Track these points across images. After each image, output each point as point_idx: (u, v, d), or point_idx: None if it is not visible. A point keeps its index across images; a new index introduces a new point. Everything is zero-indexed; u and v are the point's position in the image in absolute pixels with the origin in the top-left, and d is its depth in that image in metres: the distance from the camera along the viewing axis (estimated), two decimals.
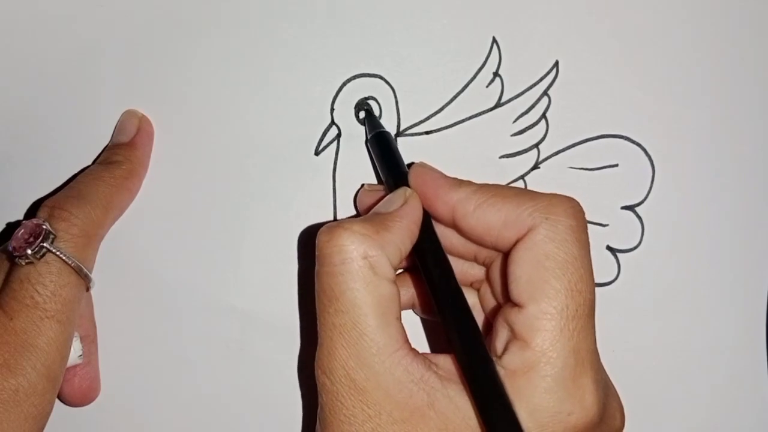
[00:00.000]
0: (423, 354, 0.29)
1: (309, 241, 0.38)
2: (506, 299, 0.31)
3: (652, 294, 0.37)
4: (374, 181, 0.38)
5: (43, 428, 0.33)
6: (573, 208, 0.30)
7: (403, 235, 0.31)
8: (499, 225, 0.30)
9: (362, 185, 0.37)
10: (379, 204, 0.33)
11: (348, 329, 0.29)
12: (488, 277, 0.33)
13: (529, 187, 0.37)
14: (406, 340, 0.29)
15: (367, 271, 0.29)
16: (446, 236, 0.33)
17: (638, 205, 0.37)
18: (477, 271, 0.34)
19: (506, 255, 0.31)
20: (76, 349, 0.35)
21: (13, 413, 0.31)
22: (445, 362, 0.29)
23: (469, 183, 0.32)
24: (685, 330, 0.37)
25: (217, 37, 0.38)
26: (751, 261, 0.37)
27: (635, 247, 0.37)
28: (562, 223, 0.29)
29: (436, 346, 0.38)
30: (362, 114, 0.38)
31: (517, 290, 0.29)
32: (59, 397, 0.36)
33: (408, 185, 0.33)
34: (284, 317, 0.38)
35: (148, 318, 0.39)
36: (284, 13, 0.38)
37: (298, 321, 0.38)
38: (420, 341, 0.38)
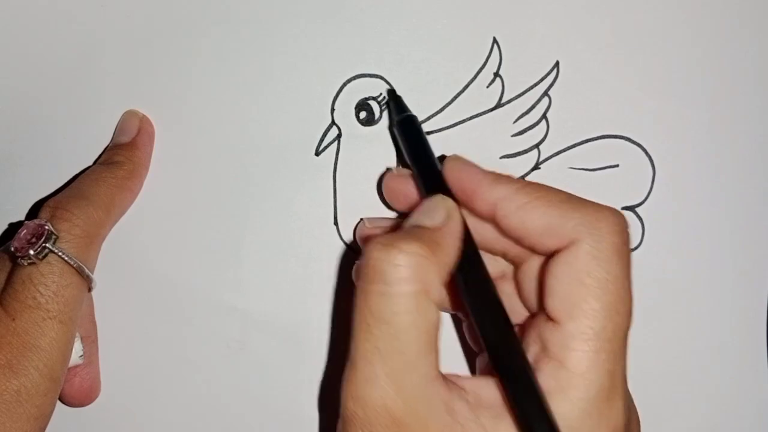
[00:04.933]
0: (448, 377, 0.28)
1: (309, 241, 0.38)
2: (539, 308, 0.30)
3: (652, 294, 0.37)
4: (374, 181, 0.38)
5: (44, 429, 0.33)
6: (619, 224, 0.29)
7: (453, 255, 0.29)
8: (540, 230, 0.29)
9: (388, 169, 0.36)
10: (419, 213, 0.30)
11: (392, 355, 0.27)
12: (517, 278, 0.33)
13: None
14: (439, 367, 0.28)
15: (423, 295, 0.27)
16: (476, 229, 0.31)
17: (639, 205, 0.37)
18: (500, 266, 0.33)
19: (543, 262, 0.30)
20: (76, 350, 0.35)
21: (15, 414, 0.31)
22: (473, 386, 0.28)
23: (509, 179, 0.30)
24: (685, 330, 0.37)
25: (217, 38, 0.38)
26: (752, 261, 0.37)
27: (635, 248, 0.37)
28: (607, 241, 0.28)
29: None
30: (363, 114, 0.38)
31: (554, 305, 0.28)
32: (59, 398, 0.36)
33: (442, 182, 0.32)
34: (284, 317, 0.38)
35: (148, 318, 0.39)
36: (284, 13, 0.38)
37: (298, 321, 0.38)
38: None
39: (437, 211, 0.30)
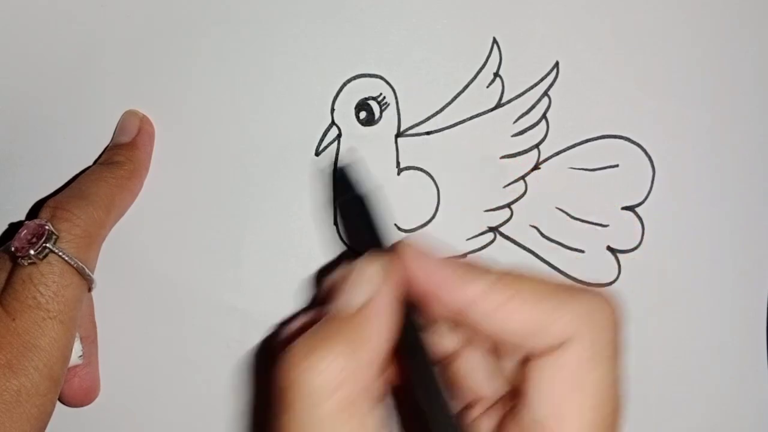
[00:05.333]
0: None
1: (309, 241, 0.38)
2: (519, 401, 0.26)
3: (652, 294, 0.37)
4: (374, 181, 0.38)
5: (44, 429, 0.33)
6: (614, 315, 0.26)
7: (381, 341, 0.25)
8: (525, 332, 0.25)
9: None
10: (338, 296, 0.26)
11: None
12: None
13: (529, 187, 0.37)
14: None
15: (350, 408, 0.24)
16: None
17: (638, 205, 0.37)
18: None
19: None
20: (76, 350, 0.35)
21: (15, 414, 0.31)
22: None
23: (481, 272, 0.26)
24: (685, 330, 0.37)
25: (217, 38, 0.38)
26: (751, 261, 0.37)
27: (635, 248, 0.37)
28: (604, 338, 0.25)
29: None
30: (363, 114, 0.38)
31: (543, 411, 0.25)
32: (59, 398, 0.36)
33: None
34: (284, 317, 0.38)
35: (148, 318, 0.39)
36: (284, 13, 0.38)
37: None
38: None
39: (359, 294, 0.26)
